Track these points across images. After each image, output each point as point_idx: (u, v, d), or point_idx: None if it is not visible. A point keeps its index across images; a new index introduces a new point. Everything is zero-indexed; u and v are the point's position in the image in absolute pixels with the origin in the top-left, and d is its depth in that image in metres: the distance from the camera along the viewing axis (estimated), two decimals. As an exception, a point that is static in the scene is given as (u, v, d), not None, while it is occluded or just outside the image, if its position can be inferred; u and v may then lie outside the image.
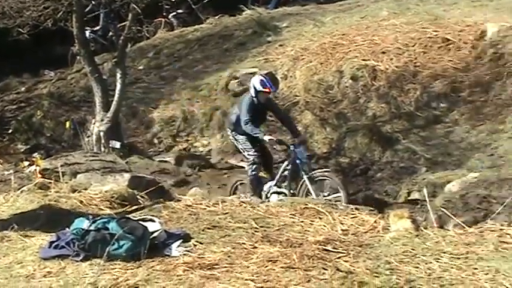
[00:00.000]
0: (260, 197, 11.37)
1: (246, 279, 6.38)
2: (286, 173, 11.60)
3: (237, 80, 15.30)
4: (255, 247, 7.22)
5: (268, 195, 11.55)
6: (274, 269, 6.55)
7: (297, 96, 14.81)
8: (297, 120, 14.35)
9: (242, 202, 9.09)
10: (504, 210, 9.87)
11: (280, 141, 11.77)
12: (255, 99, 11.43)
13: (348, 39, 15.87)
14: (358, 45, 15.50)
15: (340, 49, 15.55)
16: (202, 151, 14.76)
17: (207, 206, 8.88)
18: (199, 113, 15.12)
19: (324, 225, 7.93)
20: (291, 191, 11.36)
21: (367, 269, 6.48)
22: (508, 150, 12.76)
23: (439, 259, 6.73)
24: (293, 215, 8.38)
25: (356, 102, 14.48)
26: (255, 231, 7.80)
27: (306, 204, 8.73)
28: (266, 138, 11.36)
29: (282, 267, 6.57)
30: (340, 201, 10.61)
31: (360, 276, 6.31)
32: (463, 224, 8.11)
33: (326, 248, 7.03)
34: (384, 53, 15.05)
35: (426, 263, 6.66)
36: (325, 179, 11.40)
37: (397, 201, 11.99)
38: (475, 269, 6.52)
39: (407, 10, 17.31)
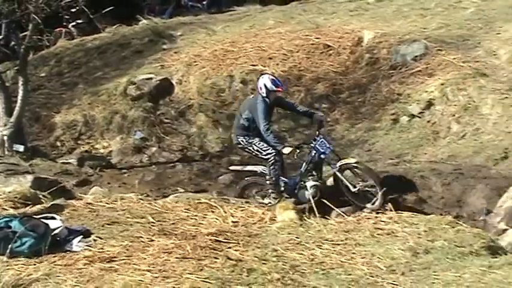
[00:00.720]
0: (287, 193, 10.69)
1: (143, 270, 6.36)
2: (309, 167, 10.76)
3: (134, 85, 15.11)
4: (152, 240, 7.19)
5: (296, 191, 10.67)
6: (169, 260, 6.54)
7: (191, 99, 14.75)
8: (192, 122, 14.39)
9: (140, 199, 9.10)
10: (381, 200, 10.22)
11: (299, 147, 10.83)
12: (267, 99, 10.64)
13: (238, 46, 15.91)
14: (247, 51, 15.56)
15: (230, 55, 15.58)
16: (103, 152, 14.50)
17: (106, 203, 8.78)
18: (100, 116, 14.88)
19: (216, 218, 7.96)
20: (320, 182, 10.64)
21: (255, 257, 6.53)
22: (384, 145, 13.14)
23: (321, 246, 6.85)
24: (187, 209, 8.38)
25: (248, 104, 14.53)
26: (152, 226, 7.77)
27: (200, 199, 8.75)
28: (285, 151, 10.44)
29: (176, 258, 6.58)
30: (375, 188, 10.33)
31: (248, 264, 6.36)
32: (342, 214, 8.28)
33: (218, 239, 7.06)
34: (270, 58, 15.16)
35: (309, 250, 6.76)
36: (355, 169, 10.74)
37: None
38: (353, 253, 6.67)
39: (291, 19, 17.53)
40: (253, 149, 10.70)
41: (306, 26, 16.49)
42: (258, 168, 10.86)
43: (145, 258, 6.64)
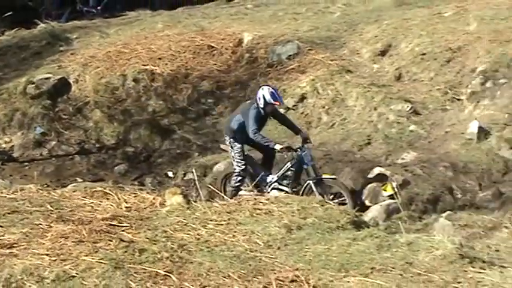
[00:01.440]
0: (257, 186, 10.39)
1: (41, 254, 6.15)
2: (289, 173, 10.47)
3: (33, 85, 14.66)
4: (50, 226, 6.96)
5: (269, 189, 10.39)
6: (66, 244, 6.36)
7: (87, 97, 14.46)
8: (88, 117, 14.12)
9: (39, 189, 8.84)
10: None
11: (289, 148, 10.37)
12: (262, 110, 10.25)
13: (130, 48, 15.72)
14: (138, 52, 15.39)
15: (123, 56, 15.37)
16: (5, 147, 14.05)
17: (7, 194, 8.43)
18: (1, 114, 14.37)
19: (111, 205, 7.77)
20: (293, 190, 10.26)
21: (146, 238, 6.44)
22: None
23: (206, 226, 6.81)
24: (84, 197, 8.14)
25: (138, 100, 14.39)
26: (51, 213, 7.50)
27: (96, 188, 8.56)
28: (277, 147, 10.19)
29: (73, 242, 6.39)
30: (346, 204, 9.77)
31: (140, 244, 6.27)
32: (225, 197, 8.30)
33: (112, 223, 6.92)
34: (160, 59, 15.05)
35: (196, 230, 6.72)
36: (329, 185, 10.35)
37: (176, 181, 12.08)
38: (235, 232, 6.66)
39: (178, 23, 17.46)
40: (232, 152, 10.45)
41: (192, 29, 16.50)
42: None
43: (44, 243, 6.42)
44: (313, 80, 13.86)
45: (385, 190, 10.01)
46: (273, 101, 10.27)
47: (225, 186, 10.66)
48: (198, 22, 17.35)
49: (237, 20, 17.42)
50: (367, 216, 9.04)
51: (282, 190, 10.23)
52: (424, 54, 13.81)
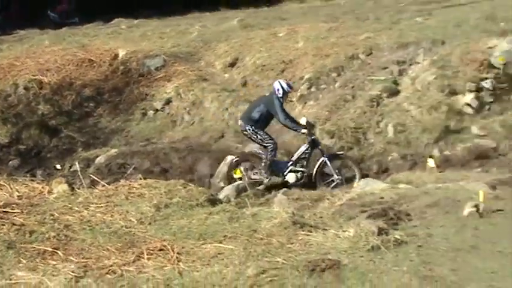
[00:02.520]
0: (276, 174, 9.91)
1: None
2: (303, 155, 9.92)
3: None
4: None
5: (286, 172, 9.89)
6: (-37, 229, 5.87)
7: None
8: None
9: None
10: (135, 172, 10.04)
11: (310, 132, 9.95)
12: (281, 99, 9.91)
13: (21, 61, 14.94)
14: (28, 65, 14.68)
15: (15, 68, 14.60)
16: None
17: None
18: None
19: (4, 194, 7.27)
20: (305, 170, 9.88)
21: (36, 221, 6.07)
22: (137, 132, 13.12)
23: (88, 208, 6.52)
24: (-21, 189, 7.60)
25: (29, 105, 13.68)
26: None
27: (-9, 180, 7.99)
28: (303, 131, 9.84)
29: (-32, 228, 5.92)
30: (355, 178, 9.64)
31: (30, 227, 5.90)
32: (105, 184, 7.99)
33: (5, 210, 6.45)
34: (47, 70, 14.41)
35: (79, 212, 6.41)
36: (341, 160, 10.12)
37: (63, 172, 11.53)
38: (113, 212, 6.43)
39: (63, 40, 16.86)
40: (257, 137, 9.91)
41: (74, 45, 15.91)
42: (254, 150, 10.31)
43: None
44: (176, 86, 13.77)
45: (235, 173, 10.05)
46: (289, 89, 10.13)
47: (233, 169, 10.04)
48: (79, 40, 16.78)
49: (113, 38, 17.00)
50: (222, 194, 9.03)
51: (298, 171, 9.90)
52: (264, 65, 14.08)
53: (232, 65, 14.60)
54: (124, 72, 14.56)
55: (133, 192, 7.06)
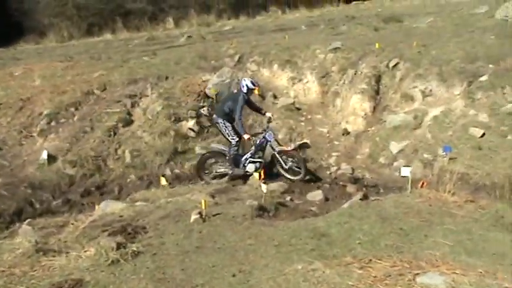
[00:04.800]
0: (238, 167, 9.94)
1: None
2: (258, 148, 9.94)
3: None
4: None
5: (246, 164, 9.93)
6: None
7: None
8: None
9: None
10: None
11: (253, 135, 10.08)
12: (245, 96, 9.76)
13: None
14: None
15: None
16: None
17: None
18: None
19: None
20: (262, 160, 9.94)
21: None
22: None
23: None
24: None
25: None
26: None
27: None
28: (245, 136, 9.71)
29: None
30: (300, 168, 9.84)
31: None
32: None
33: None
34: None
35: None
36: (289, 155, 9.98)
37: None
38: None
39: None
40: (225, 131, 9.87)
41: None
42: (220, 148, 10.17)
43: None
44: None
45: (161, 182, 9.21)
46: (253, 87, 9.88)
47: (203, 167, 10.14)
48: None
49: None
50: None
51: (256, 162, 9.93)
52: (1, 104, 12.91)
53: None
54: None
55: None
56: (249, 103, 10.12)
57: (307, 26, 17.25)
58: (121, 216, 7.36)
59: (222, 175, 10.10)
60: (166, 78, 13.24)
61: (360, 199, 7.38)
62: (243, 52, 14.24)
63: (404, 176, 7.66)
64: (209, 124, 11.97)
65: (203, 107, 12.17)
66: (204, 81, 12.74)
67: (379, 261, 4.87)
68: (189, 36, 18.46)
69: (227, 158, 10.02)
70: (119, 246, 5.59)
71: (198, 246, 5.82)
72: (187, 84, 12.77)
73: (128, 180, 10.71)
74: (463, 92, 10.89)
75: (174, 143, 11.35)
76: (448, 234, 5.60)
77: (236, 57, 14.01)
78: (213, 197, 7.87)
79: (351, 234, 5.74)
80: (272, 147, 9.96)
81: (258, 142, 10.01)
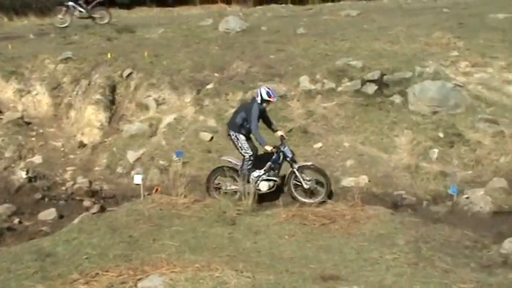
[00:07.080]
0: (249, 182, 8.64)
1: None
2: (274, 165, 8.74)
3: None
4: None
5: (258, 182, 8.71)
6: None
7: None
8: None
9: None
10: None
11: (277, 148, 8.70)
12: (261, 106, 8.58)
13: None
14: None
15: None
16: None
17: None
18: None
19: None
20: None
21: None
22: None
23: None
24: None
25: None
26: None
27: None
28: (268, 148, 8.59)
29: None
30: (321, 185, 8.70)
31: None
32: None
33: None
34: None
35: None
36: (309, 170, 8.77)
37: None
38: None
39: None
40: (237, 144, 8.79)
41: None
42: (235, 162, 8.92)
43: None
44: None
45: None
46: (268, 98, 8.73)
47: (213, 182, 8.92)
48: None
49: None
50: None
51: (270, 180, 8.82)
52: None
53: None
54: None
55: None
56: (262, 115, 8.90)
57: (35, 35, 16.18)
58: None
59: (233, 192, 8.81)
60: None
61: (94, 212, 7.21)
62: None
63: (138, 184, 7.74)
64: None
65: None
66: None
67: (105, 273, 4.79)
68: None
69: (239, 173, 8.86)
70: None
71: None
72: None
73: None
74: (193, 100, 11.52)
75: None
76: (175, 235, 5.83)
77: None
78: None
79: (79, 250, 5.54)
80: (291, 163, 8.81)
81: (273, 157, 8.87)
